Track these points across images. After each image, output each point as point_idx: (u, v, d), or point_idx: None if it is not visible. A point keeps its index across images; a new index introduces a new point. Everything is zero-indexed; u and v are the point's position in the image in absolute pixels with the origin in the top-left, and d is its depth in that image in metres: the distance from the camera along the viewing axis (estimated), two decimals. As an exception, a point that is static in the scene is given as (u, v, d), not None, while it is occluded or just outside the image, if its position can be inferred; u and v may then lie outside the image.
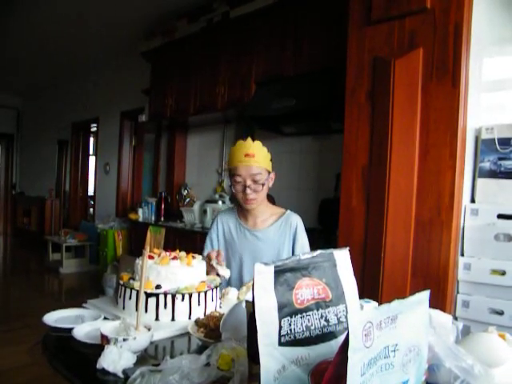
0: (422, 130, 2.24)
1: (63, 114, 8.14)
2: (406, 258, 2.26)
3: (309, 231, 2.06)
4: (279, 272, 0.81)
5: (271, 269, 0.80)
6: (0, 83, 8.44)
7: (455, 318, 2.18)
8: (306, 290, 0.83)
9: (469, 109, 2.18)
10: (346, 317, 0.86)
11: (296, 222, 2.01)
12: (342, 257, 0.92)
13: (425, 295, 0.78)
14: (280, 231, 1.99)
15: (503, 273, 2.07)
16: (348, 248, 0.94)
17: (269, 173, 1.92)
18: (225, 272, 1.79)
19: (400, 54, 2.31)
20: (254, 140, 1.88)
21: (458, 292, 2.21)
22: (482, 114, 2.32)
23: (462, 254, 2.21)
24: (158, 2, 4.60)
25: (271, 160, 1.95)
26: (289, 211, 2.06)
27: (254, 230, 2.00)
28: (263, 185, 1.88)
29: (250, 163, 1.84)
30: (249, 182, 1.85)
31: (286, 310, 0.80)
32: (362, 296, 1.19)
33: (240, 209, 2.03)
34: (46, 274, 6.32)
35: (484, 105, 2.35)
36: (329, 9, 3.21)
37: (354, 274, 0.94)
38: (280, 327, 0.79)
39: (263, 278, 0.79)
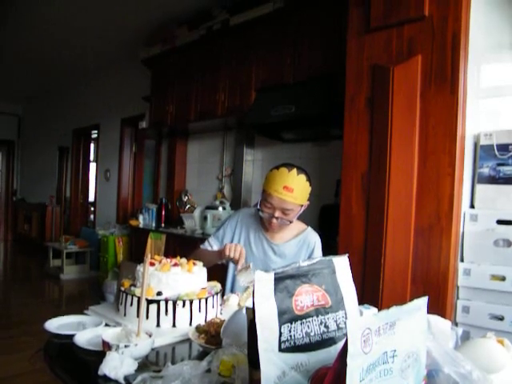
0: (420, 136, 2.25)
1: (64, 121, 8.17)
2: (405, 264, 2.26)
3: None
4: (279, 279, 0.82)
5: (271, 276, 0.82)
6: (1, 90, 8.47)
7: (455, 324, 2.18)
8: (305, 297, 0.84)
9: (467, 115, 2.19)
10: (346, 323, 0.87)
11: (314, 241, 1.98)
12: (342, 263, 0.93)
13: (423, 301, 0.79)
14: (297, 249, 1.96)
15: (503, 278, 2.08)
16: (347, 255, 0.95)
17: (302, 205, 1.84)
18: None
19: (399, 62, 2.33)
20: (298, 172, 1.77)
21: (458, 298, 2.21)
22: (481, 120, 2.33)
23: (462, 260, 2.22)
24: (158, 10, 4.64)
25: (310, 192, 1.86)
26: (309, 228, 2.02)
27: (272, 242, 1.96)
28: (291, 221, 1.82)
29: (285, 197, 1.74)
30: (278, 214, 1.79)
31: (286, 316, 0.81)
32: (362, 302, 1.20)
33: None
34: (46, 280, 6.31)
35: (482, 111, 2.36)
36: (328, 16, 3.24)
37: (354, 280, 0.95)
38: (280, 333, 0.79)
39: (263, 285, 0.80)
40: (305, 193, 1.81)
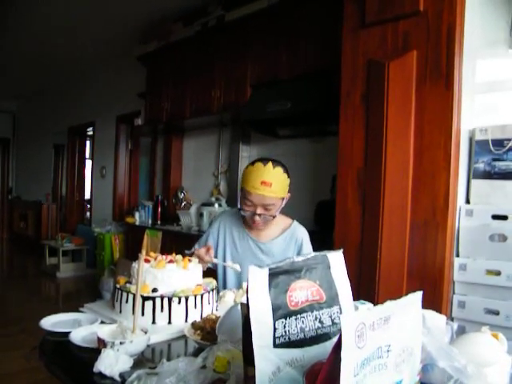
0: (416, 131, 2.26)
1: (59, 118, 8.13)
2: (401, 259, 2.27)
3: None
4: (273, 274, 0.82)
5: (265, 271, 0.82)
6: (-5, 87, 8.44)
7: (451, 319, 2.19)
8: (300, 292, 0.84)
9: (462, 110, 2.20)
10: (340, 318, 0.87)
11: (302, 236, 1.95)
12: (336, 259, 0.93)
13: (417, 296, 0.79)
14: (285, 245, 1.93)
15: (498, 273, 2.09)
16: (342, 250, 0.95)
17: (282, 198, 1.81)
18: (237, 266, 1.79)
19: (394, 57, 2.33)
20: (274, 165, 1.74)
21: (453, 292, 2.22)
22: (476, 115, 2.34)
23: (458, 255, 2.22)
24: (153, 7, 4.62)
25: (289, 183, 1.83)
26: (295, 223, 1.99)
27: (259, 241, 1.94)
28: (274, 215, 1.80)
29: (264, 192, 1.71)
30: (259, 211, 1.76)
31: (281, 312, 0.80)
32: (358, 297, 1.20)
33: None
34: (43, 278, 6.30)
35: (477, 106, 2.37)
36: (323, 12, 3.23)
37: (350, 276, 0.95)
38: (274, 329, 0.79)
39: (257, 280, 0.80)
40: (284, 185, 1.78)
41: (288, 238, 1.94)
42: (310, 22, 3.34)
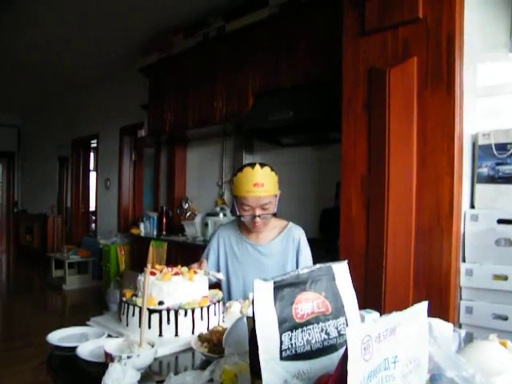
0: (419, 137, 2.26)
1: (63, 131, 8.19)
2: (407, 265, 2.26)
3: (310, 241, 2.07)
4: (278, 287, 0.82)
5: (270, 285, 0.82)
6: (0, 102, 8.50)
7: (459, 325, 2.17)
8: (305, 304, 0.84)
9: (465, 115, 2.20)
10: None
11: (299, 235, 2.00)
12: (341, 270, 0.93)
13: (423, 306, 0.79)
14: (283, 245, 1.97)
15: (506, 278, 2.08)
16: (346, 261, 0.95)
17: (276, 195, 1.88)
18: (219, 275, 1.83)
19: (394, 64, 2.34)
20: (261, 166, 1.82)
21: (460, 298, 2.20)
22: (478, 120, 2.34)
23: (464, 260, 2.21)
24: (154, 19, 4.66)
25: (278, 180, 1.90)
26: (291, 223, 2.04)
27: (257, 244, 1.98)
28: (272, 213, 1.86)
29: (259, 193, 1.78)
30: (258, 212, 1.81)
31: (287, 324, 0.80)
32: (364, 305, 1.20)
33: (242, 223, 1.98)
34: (49, 290, 6.32)
35: (480, 111, 2.37)
36: (323, 20, 3.24)
37: (356, 284, 0.95)
38: (281, 342, 0.79)
39: (263, 293, 0.80)
40: (274, 182, 1.85)
41: (285, 238, 1.98)
42: (311, 31, 3.36)
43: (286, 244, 1.97)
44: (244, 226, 1.98)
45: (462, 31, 2.19)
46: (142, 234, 5.12)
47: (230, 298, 1.96)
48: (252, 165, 1.82)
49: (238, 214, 1.86)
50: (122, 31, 5.01)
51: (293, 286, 0.84)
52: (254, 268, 1.95)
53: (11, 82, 7.14)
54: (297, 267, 1.94)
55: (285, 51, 3.53)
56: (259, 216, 1.82)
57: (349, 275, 0.93)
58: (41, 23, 4.85)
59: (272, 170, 1.86)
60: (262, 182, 1.78)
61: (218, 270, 2.00)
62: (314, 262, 2.02)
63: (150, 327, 1.42)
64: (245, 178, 1.79)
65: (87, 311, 5.21)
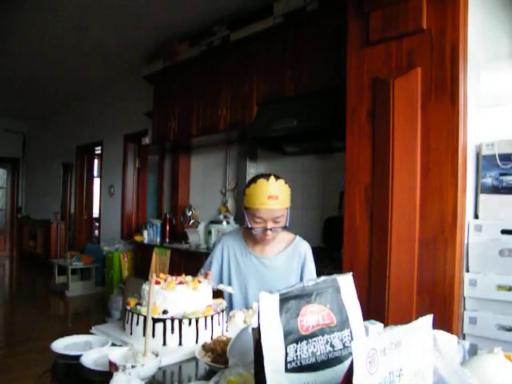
0: (422, 147, 2.26)
1: (68, 138, 8.23)
2: (411, 276, 2.25)
3: (313, 250, 2.05)
4: (284, 300, 0.82)
5: (276, 297, 0.82)
6: (6, 108, 8.58)
7: (463, 336, 2.17)
8: (310, 317, 0.84)
9: (468, 125, 2.20)
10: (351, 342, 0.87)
11: (305, 250, 1.97)
12: (346, 282, 0.93)
13: (428, 319, 0.79)
14: (288, 260, 1.94)
15: (510, 288, 2.07)
16: (351, 273, 0.95)
17: (287, 208, 1.84)
18: (229, 289, 1.82)
19: (398, 74, 2.35)
20: (276, 178, 1.78)
21: (464, 309, 2.20)
22: (482, 130, 2.34)
23: (468, 271, 2.21)
24: (159, 27, 4.70)
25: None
26: (298, 237, 2.01)
27: (262, 256, 1.94)
28: (284, 226, 1.83)
29: (273, 206, 1.74)
30: (270, 225, 1.77)
31: (292, 336, 0.81)
32: (367, 315, 1.20)
33: (247, 233, 1.96)
34: (52, 297, 6.32)
35: (483, 121, 2.37)
36: (327, 30, 3.27)
37: (360, 293, 0.95)
38: (286, 354, 0.80)
39: (269, 306, 0.80)
40: (288, 195, 1.82)
41: (291, 252, 1.95)
42: (315, 41, 3.38)
43: (291, 259, 1.94)
44: (249, 237, 1.95)
45: (466, 42, 2.20)
46: (146, 241, 5.13)
47: (231, 308, 1.96)
48: (266, 176, 1.78)
49: (248, 225, 1.82)
50: (127, 39, 5.05)
51: (298, 299, 0.84)
52: (257, 280, 1.93)
53: (16, 88, 7.20)
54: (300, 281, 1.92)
55: (289, 60, 3.55)
56: (271, 229, 1.78)
57: (354, 287, 0.94)
58: (46, 33, 4.90)
59: (286, 182, 1.82)
60: (276, 195, 1.74)
61: (221, 279, 1.99)
62: (318, 270, 2.03)
63: (153, 336, 1.42)
64: (259, 190, 1.75)
65: (90, 318, 5.21)
